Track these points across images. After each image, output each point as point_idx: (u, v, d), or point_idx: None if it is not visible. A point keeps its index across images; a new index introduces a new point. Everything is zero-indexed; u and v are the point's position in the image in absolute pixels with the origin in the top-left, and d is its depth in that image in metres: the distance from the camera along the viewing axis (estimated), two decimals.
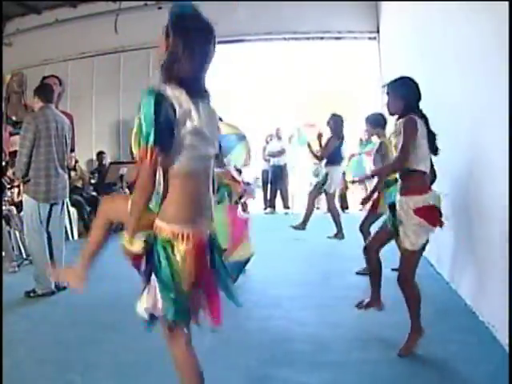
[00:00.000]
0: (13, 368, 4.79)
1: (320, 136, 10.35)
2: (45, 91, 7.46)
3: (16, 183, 7.41)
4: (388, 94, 5.08)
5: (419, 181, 4.77)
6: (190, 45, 2.93)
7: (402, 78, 5.12)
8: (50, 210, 7.21)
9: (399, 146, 4.75)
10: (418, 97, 4.95)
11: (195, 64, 2.97)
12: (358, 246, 8.48)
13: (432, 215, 4.71)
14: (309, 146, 10.68)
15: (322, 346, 5.08)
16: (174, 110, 2.80)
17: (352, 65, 16.59)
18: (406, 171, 4.80)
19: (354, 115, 10.19)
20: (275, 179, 14.95)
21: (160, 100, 2.75)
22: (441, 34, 6.96)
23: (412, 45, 8.99)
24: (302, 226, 10.40)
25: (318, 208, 14.96)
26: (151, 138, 2.73)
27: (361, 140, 13.82)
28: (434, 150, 4.90)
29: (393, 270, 7.31)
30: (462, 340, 5.04)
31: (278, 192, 15.06)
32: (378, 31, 13.62)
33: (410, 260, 4.82)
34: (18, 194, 9.44)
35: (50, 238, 7.22)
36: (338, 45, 14.71)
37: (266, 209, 15.13)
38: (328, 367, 4.59)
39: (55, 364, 4.88)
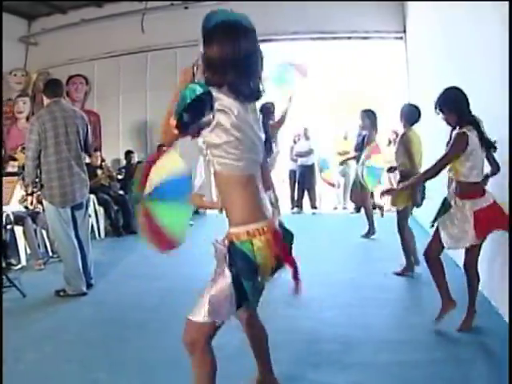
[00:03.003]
0: (38, 364, 4.81)
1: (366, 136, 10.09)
2: (51, 86, 7.17)
3: (29, 190, 7.24)
4: (441, 111, 5.18)
5: (471, 187, 5.02)
6: (234, 50, 2.88)
7: (446, 91, 5.19)
8: (73, 213, 7.03)
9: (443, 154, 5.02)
10: (467, 104, 5.06)
11: (243, 69, 2.93)
12: (386, 246, 8.43)
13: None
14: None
15: (350, 347, 5.03)
16: (211, 108, 2.81)
17: (379, 65, 16.49)
18: (460, 182, 5.10)
19: (380, 116, 10.00)
20: (303, 179, 14.82)
21: (205, 94, 2.78)
22: (468, 33, 6.85)
23: (439, 45, 8.89)
24: (372, 230, 10.21)
25: (345, 208, 14.87)
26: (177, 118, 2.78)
27: (389, 141, 13.69)
28: (492, 147, 5.07)
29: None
30: (491, 343, 4.98)
31: (306, 192, 14.92)
32: (404, 31, 13.50)
33: (473, 251, 5.14)
34: (32, 202, 9.40)
35: (79, 239, 7.08)
36: (365, 45, 14.59)
37: (293, 208, 15.00)
38: (356, 368, 4.54)
39: (81, 362, 4.87)
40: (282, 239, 3.11)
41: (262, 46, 2.97)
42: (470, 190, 5.01)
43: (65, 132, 6.81)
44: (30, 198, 8.75)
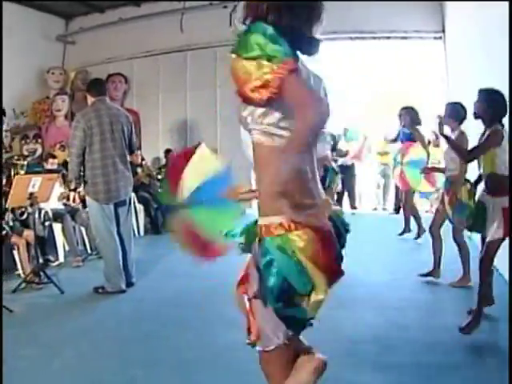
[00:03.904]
0: (75, 361, 4.81)
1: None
2: (95, 85, 7.30)
3: (72, 186, 7.24)
4: (479, 100, 5.39)
5: (502, 183, 5.11)
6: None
7: (496, 90, 5.37)
8: (116, 210, 7.05)
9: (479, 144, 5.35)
10: (505, 112, 5.28)
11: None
12: (424, 247, 8.29)
13: None
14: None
15: (389, 348, 4.96)
16: None
17: (418, 65, 16.36)
18: (492, 174, 5.31)
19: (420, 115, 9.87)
20: (343, 179, 14.71)
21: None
22: (506, 32, 6.69)
23: (477, 45, 8.73)
24: (421, 231, 10.02)
25: (384, 209, 14.74)
26: (282, 54, 2.20)
27: (429, 142, 13.51)
28: None
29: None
30: None
31: (346, 192, 14.80)
32: (443, 31, 13.33)
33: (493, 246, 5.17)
34: (74, 198, 9.43)
35: (121, 238, 7.09)
36: (404, 45, 14.45)
37: None
38: (393, 369, 4.47)
39: (118, 359, 4.86)
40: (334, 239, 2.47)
41: None
42: (500, 185, 5.14)
43: (110, 130, 6.85)
44: (72, 193, 8.77)
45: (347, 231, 2.72)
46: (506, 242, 5.05)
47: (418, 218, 10.02)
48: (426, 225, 7.70)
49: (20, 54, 13.02)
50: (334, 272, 2.45)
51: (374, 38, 13.94)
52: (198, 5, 13.96)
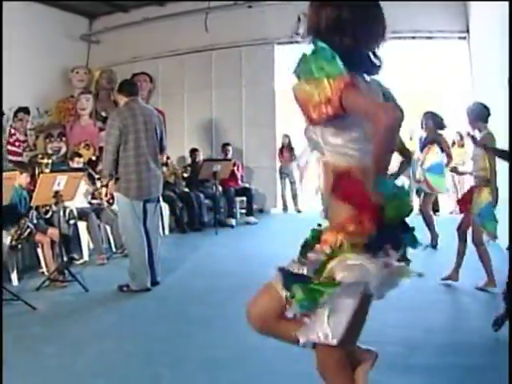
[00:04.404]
0: (99, 358, 4.79)
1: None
2: (127, 86, 7.41)
3: (105, 182, 7.26)
4: None
5: None
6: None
7: None
8: (145, 206, 7.06)
9: None
10: None
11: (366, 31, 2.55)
12: (447, 249, 8.18)
13: None
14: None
15: (413, 350, 4.90)
16: None
17: (442, 65, 16.24)
18: None
19: (444, 117, 9.71)
20: None
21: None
22: None
23: (502, 45, 8.60)
24: (436, 236, 9.84)
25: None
26: (339, 70, 2.28)
27: (453, 142, 13.37)
28: None
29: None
30: None
31: None
32: (467, 31, 13.22)
33: None
34: (106, 194, 9.46)
35: (147, 235, 7.08)
36: (429, 44, 14.35)
37: None
38: (419, 371, 4.41)
39: (143, 357, 4.81)
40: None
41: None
42: None
43: (144, 129, 6.94)
44: (104, 189, 8.80)
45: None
46: None
47: (431, 226, 9.77)
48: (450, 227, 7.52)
49: (44, 54, 13.13)
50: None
51: (399, 37, 13.85)
52: (222, 4, 13.95)
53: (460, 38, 13.46)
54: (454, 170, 8.21)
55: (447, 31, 13.44)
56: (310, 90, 2.29)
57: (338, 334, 2.51)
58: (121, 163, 6.85)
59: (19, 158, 12.31)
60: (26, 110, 12.77)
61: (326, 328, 2.52)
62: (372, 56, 2.59)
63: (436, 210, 12.85)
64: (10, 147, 12.42)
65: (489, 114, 6.74)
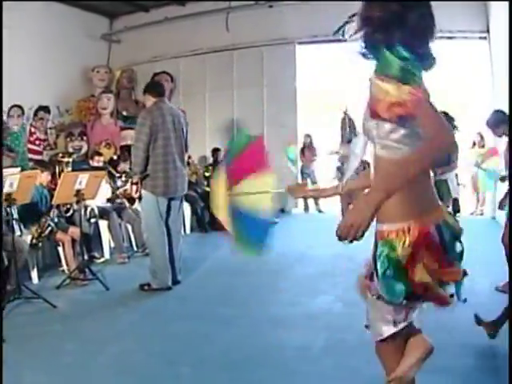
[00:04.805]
0: (120, 357, 4.77)
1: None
2: (155, 86, 7.55)
3: (135, 179, 7.27)
4: None
5: None
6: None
7: None
8: (169, 204, 7.11)
9: None
10: None
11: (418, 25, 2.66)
12: (468, 252, 8.08)
13: None
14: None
15: (437, 350, 4.79)
16: None
17: (463, 65, 16.16)
18: None
19: (465, 117, 9.62)
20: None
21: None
22: None
23: None
24: None
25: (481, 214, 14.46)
26: (419, 79, 2.47)
27: (474, 143, 13.23)
28: None
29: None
30: None
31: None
32: (488, 31, 13.13)
33: None
34: (136, 190, 9.48)
35: (169, 233, 7.11)
36: (450, 45, 14.25)
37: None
38: (439, 371, 4.28)
39: (164, 356, 4.78)
40: (439, 248, 2.63)
41: (351, 46, 2.71)
42: None
43: (173, 129, 7.03)
44: (134, 187, 8.81)
45: (456, 240, 2.84)
46: None
47: None
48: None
49: (65, 53, 13.16)
50: (443, 272, 2.73)
51: None
52: (243, 4, 13.93)
53: (481, 37, 13.39)
54: (503, 179, 8.05)
55: (468, 31, 13.36)
56: (388, 89, 2.39)
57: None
58: (150, 161, 6.93)
59: (39, 157, 12.34)
60: (46, 109, 12.84)
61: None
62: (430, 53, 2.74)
63: (457, 210, 12.73)
64: (30, 146, 12.46)
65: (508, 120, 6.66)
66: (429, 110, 2.39)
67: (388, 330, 2.81)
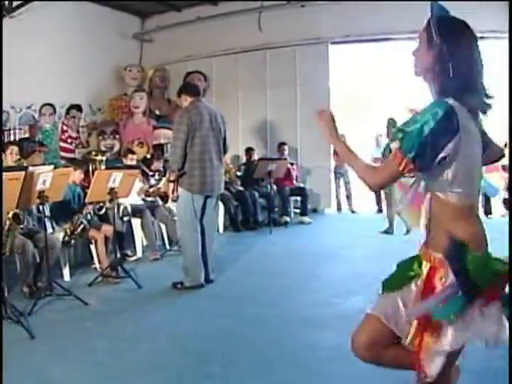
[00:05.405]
0: (151, 355, 4.76)
1: None
2: (189, 87, 7.63)
3: (173, 177, 7.26)
4: None
5: None
6: (464, 52, 2.59)
7: None
8: (205, 202, 7.10)
9: None
10: None
11: (473, 74, 2.55)
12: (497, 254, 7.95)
13: None
14: None
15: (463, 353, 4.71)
16: (456, 132, 2.34)
17: (495, 65, 15.98)
18: None
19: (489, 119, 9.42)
20: None
21: (448, 115, 2.34)
22: None
23: None
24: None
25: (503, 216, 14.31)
26: (411, 154, 2.35)
27: (505, 145, 13.06)
28: None
29: None
30: None
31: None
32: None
33: None
34: (173, 190, 9.47)
35: (203, 231, 7.11)
36: (481, 45, 14.08)
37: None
38: (468, 374, 4.17)
39: (196, 355, 4.76)
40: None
41: (379, 46, 2.64)
42: None
43: (210, 127, 7.05)
44: (172, 184, 8.86)
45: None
46: None
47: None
48: None
49: (97, 52, 13.23)
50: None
51: None
52: (275, 4, 13.85)
53: (500, 37, 13.25)
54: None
55: (487, 31, 13.22)
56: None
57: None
58: (187, 158, 6.95)
59: (71, 155, 12.48)
60: (78, 108, 12.96)
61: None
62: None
63: (489, 212, 12.59)
64: (61, 144, 12.59)
65: None
66: (391, 165, 2.42)
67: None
